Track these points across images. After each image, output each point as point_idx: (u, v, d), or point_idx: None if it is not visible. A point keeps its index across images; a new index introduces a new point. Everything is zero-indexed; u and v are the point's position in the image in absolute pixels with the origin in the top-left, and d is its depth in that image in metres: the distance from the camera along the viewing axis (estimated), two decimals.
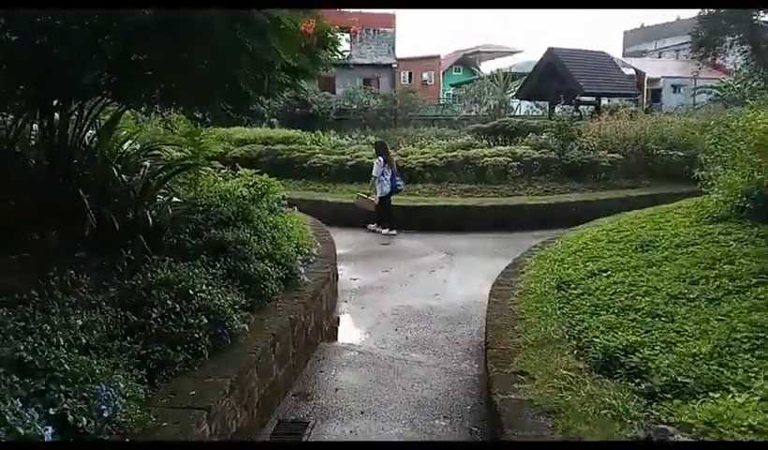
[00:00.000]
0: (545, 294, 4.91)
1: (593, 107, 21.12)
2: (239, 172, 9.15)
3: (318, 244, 7.42)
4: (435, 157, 13.76)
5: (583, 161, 13.41)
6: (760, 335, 3.17)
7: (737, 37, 21.73)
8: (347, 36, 39.14)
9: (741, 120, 5.52)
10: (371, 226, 11.43)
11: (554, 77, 20.37)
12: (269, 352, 4.30)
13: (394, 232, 11.18)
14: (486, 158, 13.38)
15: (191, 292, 4.20)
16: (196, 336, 3.87)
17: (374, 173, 11.36)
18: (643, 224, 6.94)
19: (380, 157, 11.41)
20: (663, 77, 43.88)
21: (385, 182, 11.29)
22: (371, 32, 39.05)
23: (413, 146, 16.24)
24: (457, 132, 25.88)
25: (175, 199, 6.31)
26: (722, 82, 38.03)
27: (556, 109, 20.84)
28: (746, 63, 23.04)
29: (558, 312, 4.38)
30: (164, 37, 4.07)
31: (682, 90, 44.62)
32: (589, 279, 4.91)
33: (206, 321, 4.02)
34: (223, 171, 9.34)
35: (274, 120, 31.67)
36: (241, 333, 4.23)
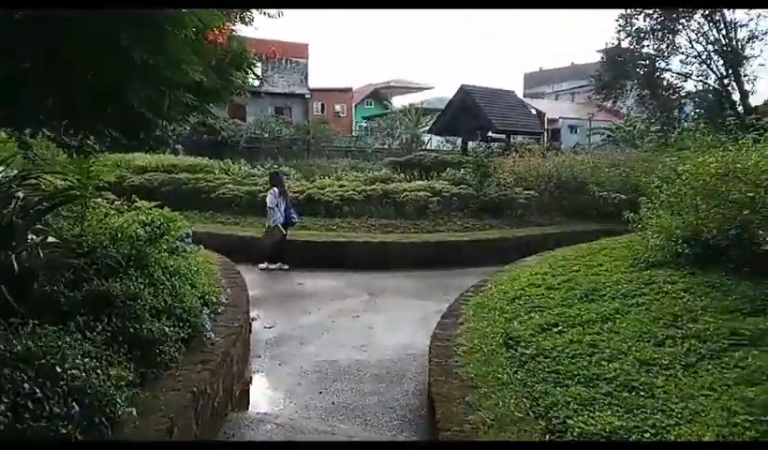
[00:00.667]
0: (493, 354, 4.30)
1: (503, 144, 21.53)
2: (136, 204, 8.04)
3: (228, 289, 6.46)
4: (353, 190, 13.12)
5: (500, 198, 13.30)
6: (764, 419, 2.69)
7: (636, 81, 23.03)
8: (260, 63, 38.19)
9: (688, 164, 5.30)
10: (261, 266, 10.55)
11: (467, 113, 20.58)
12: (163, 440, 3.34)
13: (286, 266, 10.48)
14: (406, 193, 12.92)
15: (59, 369, 3.17)
16: (62, 431, 2.89)
17: (269, 204, 10.63)
18: (575, 267, 6.62)
19: (275, 188, 10.71)
20: (561, 118, 46.44)
21: (279, 213, 10.59)
22: (284, 61, 38.25)
23: (329, 178, 15.55)
24: (371, 164, 25.58)
25: (52, 238, 5.15)
26: (614, 124, 40.92)
27: (469, 144, 21.02)
28: (644, 107, 24.51)
29: (514, 379, 3.77)
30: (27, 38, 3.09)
31: (578, 130, 47.53)
32: (540, 336, 4.37)
33: (78, 408, 3.03)
34: (117, 202, 8.21)
35: (179, 147, 29.86)
36: (126, 419, 3.26)
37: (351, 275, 10.02)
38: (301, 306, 8.06)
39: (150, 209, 7.89)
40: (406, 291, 9.13)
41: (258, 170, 16.33)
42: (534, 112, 44.07)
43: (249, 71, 5.65)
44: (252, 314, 7.19)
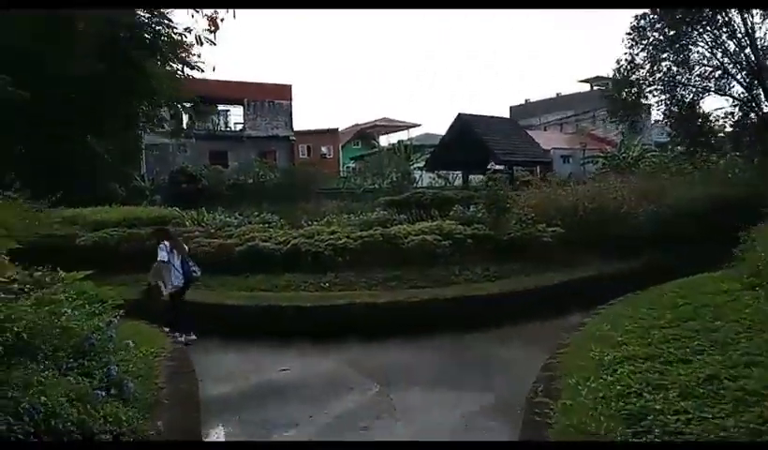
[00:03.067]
0: None
1: (506, 175, 19.40)
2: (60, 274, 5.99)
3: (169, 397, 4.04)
4: (347, 237, 10.76)
5: (522, 236, 11.00)
6: None
7: (657, 98, 21.09)
8: (240, 108, 36.29)
9: None
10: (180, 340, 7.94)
11: (466, 145, 18.47)
12: None
13: (194, 337, 8.15)
14: (411, 237, 10.59)
15: None
16: None
17: (159, 259, 8.36)
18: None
19: (164, 242, 8.48)
20: (553, 148, 44.78)
21: (176, 272, 8.38)
22: (266, 104, 36.37)
23: (317, 223, 13.23)
24: (362, 205, 23.34)
25: None
26: (607, 152, 39.30)
27: (470, 178, 18.83)
28: (669, 126, 22.58)
29: None
30: None
31: (571, 160, 45.89)
32: None
33: None
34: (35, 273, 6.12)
35: (157, 197, 27.48)
36: None
37: (352, 349, 7.62)
38: (284, 412, 5.56)
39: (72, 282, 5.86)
40: (429, 373, 6.72)
41: (236, 218, 13.95)
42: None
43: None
44: (212, 430, 4.76)
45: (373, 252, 10.66)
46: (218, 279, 10.22)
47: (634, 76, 19.89)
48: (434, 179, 36.44)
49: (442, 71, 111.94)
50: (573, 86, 77.75)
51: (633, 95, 20.12)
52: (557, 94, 54.16)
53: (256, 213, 14.62)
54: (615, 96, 20.83)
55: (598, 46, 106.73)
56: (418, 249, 10.38)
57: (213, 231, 12.14)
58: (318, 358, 7.43)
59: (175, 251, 8.52)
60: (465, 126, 18.53)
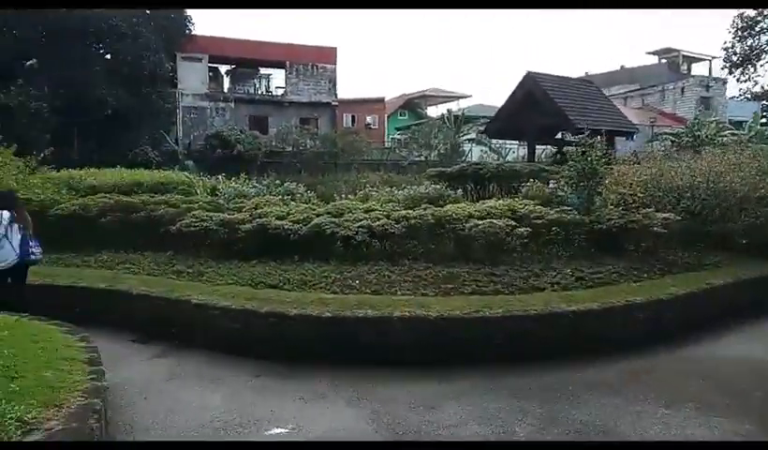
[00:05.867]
0: None
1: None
2: None
3: None
4: (387, 217, 7.88)
5: (628, 225, 7.85)
6: None
7: None
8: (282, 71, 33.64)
9: None
10: None
11: (535, 110, 15.11)
12: None
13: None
14: (473, 221, 7.62)
15: None
16: None
17: None
18: None
19: (5, 212, 6.41)
20: None
21: (9, 249, 6.32)
22: (309, 68, 33.52)
23: (352, 197, 10.43)
24: (409, 178, 20.52)
25: None
26: (674, 129, 34.96)
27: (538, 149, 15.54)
28: None
29: None
30: None
31: (635, 137, 41.40)
32: None
33: None
34: None
35: (189, 162, 25.29)
36: None
37: (388, 390, 4.85)
38: None
39: None
40: None
41: (253, 188, 11.22)
42: None
43: None
44: None
45: (421, 238, 7.80)
46: (213, 266, 7.56)
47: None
48: (485, 152, 33.05)
49: (496, 41, 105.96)
50: (640, 59, 71.76)
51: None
52: (621, 66, 49.18)
53: (277, 182, 11.85)
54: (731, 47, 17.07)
55: (663, 18, 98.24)
56: (483, 237, 7.42)
57: (219, 203, 9.49)
58: (335, 408, 4.67)
59: (15, 225, 6.40)
60: (534, 86, 15.14)
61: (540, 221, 7.79)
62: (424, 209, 8.18)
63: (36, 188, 9.57)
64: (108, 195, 9.90)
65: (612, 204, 8.54)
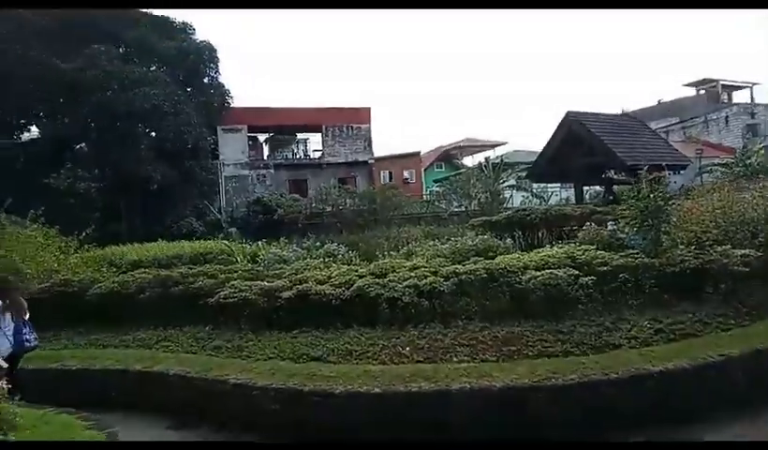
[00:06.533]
0: None
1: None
2: None
3: None
4: (435, 274, 7.26)
5: (704, 265, 6.98)
6: None
7: None
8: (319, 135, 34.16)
9: None
10: None
11: (579, 149, 14.44)
12: None
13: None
14: (530, 272, 6.91)
15: None
16: None
17: None
18: None
19: None
20: None
21: (2, 338, 6.17)
22: (344, 129, 33.93)
23: (394, 253, 9.88)
24: (450, 229, 19.92)
25: None
26: (722, 159, 33.38)
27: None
28: None
29: None
30: None
31: (681, 171, 39.84)
32: None
33: None
34: None
35: (233, 229, 25.44)
36: None
37: None
38: None
39: None
40: None
41: (293, 252, 10.82)
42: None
43: None
44: None
45: (473, 295, 7.11)
46: (253, 339, 7.05)
47: None
48: (526, 198, 32.16)
49: (527, 85, 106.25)
50: (675, 92, 70.27)
51: None
52: (658, 101, 48.04)
53: (317, 244, 11.44)
54: None
55: (695, 50, 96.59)
56: (542, 290, 6.68)
57: (258, 270, 9.09)
58: None
59: (8, 313, 6.24)
60: (576, 125, 14.51)
61: (606, 268, 7.00)
62: (474, 262, 7.53)
63: (76, 268, 9.42)
64: (146, 270, 9.68)
65: (681, 243, 7.69)
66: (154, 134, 26.48)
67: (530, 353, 5.76)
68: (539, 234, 12.12)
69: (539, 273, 6.82)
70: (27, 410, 4.73)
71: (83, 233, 11.15)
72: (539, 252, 7.93)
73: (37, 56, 22.49)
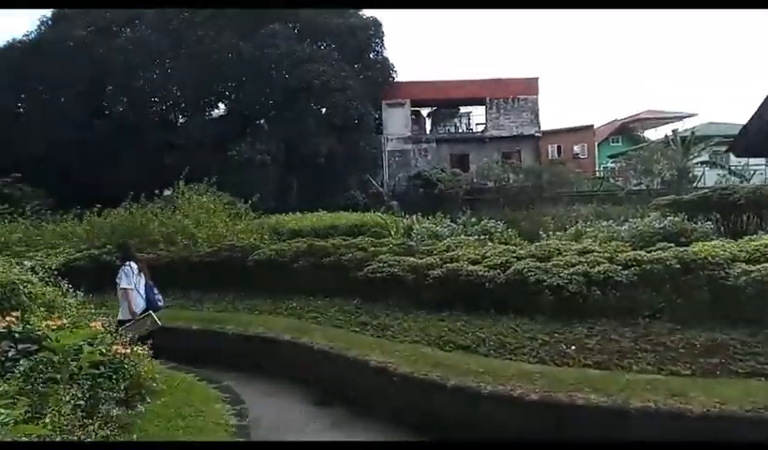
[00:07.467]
0: None
1: None
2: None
3: None
4: (610, 261, 6.07)
5: None
6: None
7: None
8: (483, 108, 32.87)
9: None
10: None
11: None
12: None
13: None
14: (741, 266, 5.39)
15: None
16: None
17: (122, 285, 6.52)
18: None
19: (129, 263, 6.67)
20: None
21: (139, 299, 6.51)
22: (510, 101, 32.19)
23: (560, 234, 8.69)
24: (627, 209, 17.73)
25: None
26: None
27: None
28: None
29: None
30: None
31: None
32: None
33: None
34: None
35: (394, 202, 25.68)
36: None
37: None
38: None
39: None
40: None
41: (447, 228, 10.15)
42: None
43: None
44: None
45: (661, 289, 5.78)
46: (399, 318, 6.57)
47: None
48: (723, 176, 27.56)
49: (722, 50, 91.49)
50: None
51: None
52: None
53: (473, 220, 10.61)
54: None
55: None
56: (758, 290, 5.15)
57: (410, 244, 8.60)
58: None
59: (143, 274, 6.72)
60: None
61: None
62: (663, 249, 6.14)
63: (242, 234, 9.84)
64: (303, 239, 9.77)
65: None
66: (323, 110, 27.67)
67: (739, 371, 4.41)
68: (745, 218, 9.94)
69: (753, 267, 5.28)
70: (171, 373, 4.78)
71: (250, 202, 11.71)
72: (751, 240, 6.24)
73: (227, 39, 24.60)
